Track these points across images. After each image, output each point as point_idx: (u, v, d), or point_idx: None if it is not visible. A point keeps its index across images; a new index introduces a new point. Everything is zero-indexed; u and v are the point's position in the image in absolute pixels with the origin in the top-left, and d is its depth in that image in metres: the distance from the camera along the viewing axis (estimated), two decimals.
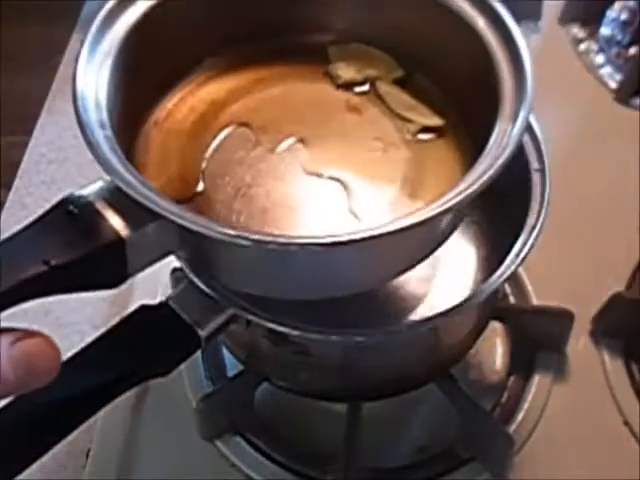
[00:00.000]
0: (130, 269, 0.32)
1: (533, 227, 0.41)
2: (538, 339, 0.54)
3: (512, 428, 0.51)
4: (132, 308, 0.38)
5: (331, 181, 0.39)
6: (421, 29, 0.43)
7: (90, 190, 0.32)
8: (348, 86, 0.44)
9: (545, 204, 0.42)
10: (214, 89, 0.43)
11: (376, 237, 0.31)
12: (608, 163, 0.66)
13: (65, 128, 0.73)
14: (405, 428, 0.52)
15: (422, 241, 0.37)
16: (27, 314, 0.30)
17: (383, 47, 0.45)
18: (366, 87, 0.44)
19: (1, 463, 0.33)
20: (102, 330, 0.37)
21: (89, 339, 0.37)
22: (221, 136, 0.41)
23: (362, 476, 0.49)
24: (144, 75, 0.40)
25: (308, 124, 0.41)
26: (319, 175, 0.39)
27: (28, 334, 0.29)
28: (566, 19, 0.79)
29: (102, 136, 0.34)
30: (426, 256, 0.38)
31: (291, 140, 0.41)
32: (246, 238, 0.31)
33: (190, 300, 0.39)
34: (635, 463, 0.50)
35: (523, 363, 0.55)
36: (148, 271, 0.34)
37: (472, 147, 0.39)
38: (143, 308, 0.38)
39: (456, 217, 0.38)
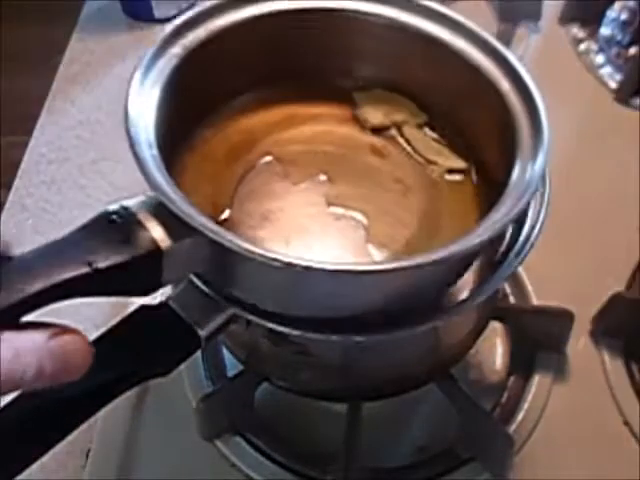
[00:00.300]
0: (163, 279, 0.34)
1: (533, 227, 0.41)
2: (538, 339, 0.54)
3: (512, 428, 0.51)
4: (132, 308, 0.38)
5: (351, 217, 0.41)
6: (444, 83, 0.45)
7: (133, 202, 0.34)
8: (374, 129, 0.46)
9: (545, 204, 0.42)
10: (252, 121, 0.46)
11: (388, 271, 0.34)
12: (608, 163, 0.66)
13: (65, 128, 0.73)
14: (405, 428, 0.52)
15: (439, 276, 0.39)
16: None
17: (405, 94, 0.47)
18: (391, 131, 0.46)
19: (1, 462, 0.33)
20: (102, 330, 0.37)
21: (89, 339, 0.37)
22: (253, 167, 0.43)
23: (362, 476, 0.49)
24: (188, 102, 0.42)
25: (334, 163, 0.44)
26: (341, 211, 0.41)
27: (64, 330, 0.30)
28: (566, 19, 0.79)
29: (149, 154, 0.36)
30: (447, 287, 0.41)
31: (317, 176, 0.43)
32: (278, 260, 0.33)
33: (190, 300, 0.39)
34: (635, 463, 0.50)
35: (523, 363, 0.55)
36: None
37: (488, 193, 0.41)
38: (143, 308, 0.38)
39: (470, 257, 0.40)
